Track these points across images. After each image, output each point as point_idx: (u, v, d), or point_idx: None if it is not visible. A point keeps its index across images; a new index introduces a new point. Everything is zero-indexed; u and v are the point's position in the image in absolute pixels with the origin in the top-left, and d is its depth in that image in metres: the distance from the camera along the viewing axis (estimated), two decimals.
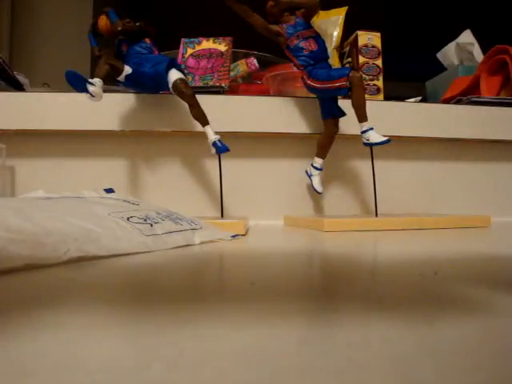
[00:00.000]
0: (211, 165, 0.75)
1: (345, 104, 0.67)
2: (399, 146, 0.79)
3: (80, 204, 0.41)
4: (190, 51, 0.81)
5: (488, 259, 0.36)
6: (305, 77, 0.66)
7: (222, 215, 0.66)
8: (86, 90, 0.58)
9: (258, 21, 0.66)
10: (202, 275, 0.31)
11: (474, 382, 0.12)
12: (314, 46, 0.66)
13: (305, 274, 0.31)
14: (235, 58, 0.89)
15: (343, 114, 0.69)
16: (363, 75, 0.78)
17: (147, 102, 0.72)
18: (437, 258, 0.37)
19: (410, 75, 1.20)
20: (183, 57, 0.81)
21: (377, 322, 0.18)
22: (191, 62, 0.80)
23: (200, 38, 0.83)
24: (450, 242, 0.51)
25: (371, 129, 0.63)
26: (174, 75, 0.63)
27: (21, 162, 0.73)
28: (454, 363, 0.13)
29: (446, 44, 1.01)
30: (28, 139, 0.73)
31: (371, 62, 0.80)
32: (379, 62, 0.80)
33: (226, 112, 0.73)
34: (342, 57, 0.86)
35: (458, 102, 0.84)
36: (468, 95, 0.84)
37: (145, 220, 0.40)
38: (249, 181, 0.78)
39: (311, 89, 0.67)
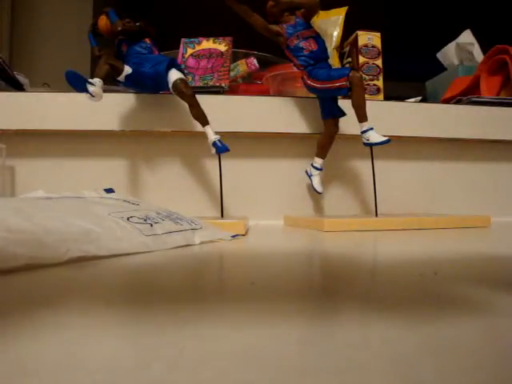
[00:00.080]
0: (211, 165, 0.75)
1: (345, 104, 0.67)
2: (399, 145, 0.79)
3: (80, 204, 0.41)
4: (189, 51, 0.81)
5: (488, 259, 0.36)
6: (305, 77, 0.66)
7: (222, 215, 0.66)
8: (86, 90, 0.58)
9: (258, 21, 0.66)
10: (201, 275, 0.31)
11: (474, 381, 0.12)
12: (313, 46, 0.66)
13: (305, 274, 0.31)
14: (235, 58, 0.89)
15: (343, 114, 0.69)
16: (363, 75, 0.78)
17: (147, 102, 0.72)
18: (437, 257, 0.37)
19: (410, 75, 1.20)
20: (183, 57, 0.81)
21: (377, 321, 0.18)
22: (191, 62, 0.80)
23: (200, 38, 0.83)
24: (450, 242, 0.51)
25: (371, 129, 0.63)
26: (173, 75, 0.63)
27: (21, 162, 0.73)
28: (455, 363, 0.13)
29: (445, 44, 1.01)
30: (28, 139, 0.73)
31: (371, 61, 0.80)
32: (379, 62, 0.80)
33: (226, 112, 0.73)
34: (342, 57, 0.86)
35: (458, 102, 0.84)
36: (468, 95, 0.84)
37: (145, 220, 0.40)
38: (249, 181, 0.78)
39: (311, 89, 0.67)
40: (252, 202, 0.77)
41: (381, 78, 0.80)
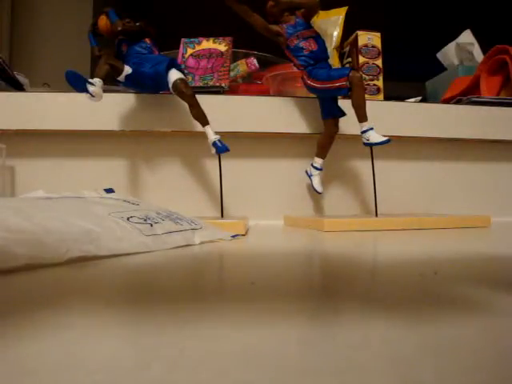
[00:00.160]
0: (211, 165, 0.75)
1: (345, 104, 0.67)
2: (399, 145, 0.79)
3: (80, 204, 0.41)
4: (189, 51, 0.81)
5: (488, 259, 0.36)
6: (305, 77, 0.66)
7: (222, 215, 0.66)
8: (86, 90, 0.58)
9: (258, 21, 0.66)
10: (202, 275, 0.31)
11: (474, 381, 0.12)
12: (314, 46, 0.66)
13: (305, 273, 0.31)
14: (235, 58, 0.89)
15: (343, 114, 0.69)
16: (363, 75, 0.78)
17: (147, 102, 0.72)
18: (437, 257, 0.37)
19: (410, 75, 1.20)
20: (183, 57, 0.81)
21: (377, 321, 0.18)
22: (191, 62, 0.80)
23: (200, 38, 0.83)
24: (450, 242, 0.51)
25: (371, 129, 0.63)
26: (173, 75, 0.63)
27: (21, 162, 0.73)
28: (455, 363, 0.13)
29: (445, 44, 1.01)
30: (28, 139, 0.73)
31: (371, 61, 0.80)
32: (379, 62, 0.80)
33: (226, 112, 0.73)
34: (342, 57, 0.86)
35: (458, 102, 0.84)
36: (468, 95, 0.84)
37: (145, 220, 0.40)
38: (249, 181, 0.78)
39: (311, 89, 0.67)
40: (252, 202, 0.77)
41: (381, 78, 0.80)
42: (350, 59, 0.83)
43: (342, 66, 0.85)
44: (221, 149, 0.62)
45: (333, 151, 0.73)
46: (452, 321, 0.18)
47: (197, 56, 0.80)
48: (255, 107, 0.75)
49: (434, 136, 0.80)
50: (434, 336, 0.16)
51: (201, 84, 0.77)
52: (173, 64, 0.64)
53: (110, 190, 0.52)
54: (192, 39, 0.83)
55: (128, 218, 0.38)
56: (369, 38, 0.80)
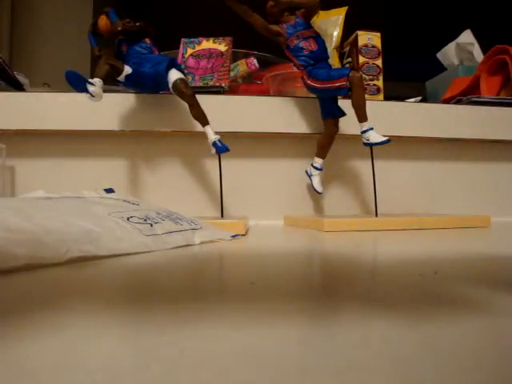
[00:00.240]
0: (211, 165, 0.75)
1: (345, 104, 0.67)
2: (399, 145, 0.79)
3: (80, 204, 0.41)
4: (189, 51, 0.81)
5: (488, 259, 0.36)
6: (305, 77, 0.66)
7: (222, 215, 0.66)
8: (86, 90, 0.58)
9: (258, 21, 0.66)
10: (202, 275, 0.31)
11: (475, 381, 0.12)
12: (314, 46, 0.66)
13: (305, 273, 0.31)
14: (235, 58, 0.89)
15: (343, 114, 0.69)
16: (363, 75, 0.78)
17: (147, 102, 0.72)
18: (437, 257, 0.37)
19: (410, 75, 1.20)
20: (183, 57, 0.81)
21: (377, 321, 0.18)
22: (191, 62, 0.80)
23: (200, 38, 0.83)
24: (450, 242, 0.51)
25: (371, 129, 0.63)
26: (173, 75, 0.63)
27: (21, 162, 0.73)
28: (455, 363, 0.13)
29: (445, 44, 1.01)
30: (28, 139, 0.73)
31: (371, 61, 0.80)
32: (379, 62, 0.80)
33: (226, 112, 0.73)
34: (342, 57, 0.86)
35: (458, 102, 0.84)
36: (468, 95, 0.84)
37: (145, 220, 0.40)
38: (249, 181, 0.78)
39: (311, 89, 0.67)
40: (252, 202, 0.77)
41: (381, 78, 0.80)
42: (349, 59, 0.83)
43: (342, 65, 0.85)
44: (221, 149, 0.62)
45: (333, 151, 0.73)
46: (452, 320, 0.18)
47: (197, 56, 0.80)
48: (255, 107, 0.75)
49: (433, 136, 0.80)
50: (434, 336, 0.16)
51: (201, 84, 0.77)
52: (173, 64, 0.64)
53: (109, 190, 0.52)
54: (192, 39, 0.83)
55: (128, 218, 0.38)
56: (369, 38, 0.80)
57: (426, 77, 1.07)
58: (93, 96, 0.58)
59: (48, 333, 0.16)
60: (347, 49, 0.84)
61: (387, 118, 0.76)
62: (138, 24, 0.67)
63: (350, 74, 0.61)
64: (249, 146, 0.78)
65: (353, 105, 0.63)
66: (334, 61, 0.83)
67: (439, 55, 1.04)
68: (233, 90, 0.83)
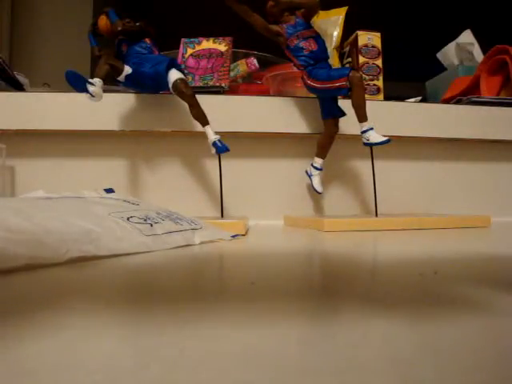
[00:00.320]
0: (211, 165, 0.75)
1: (345, 104, 0.67)
2: (399, 145, 0.79)
3: (80, 204, 0.41)
4: (189, 51, 0.81)
5: (488, 259, 0.36)
6: (305, 77, 0.66)
7: (222, 215, 0.66)
8: (86, 90, 0.58)
9: (258, 21, 0.65)
10: (202, 275, 0.31)
11: (475, 381, 0.12)
12: (313, 46, 0.66)
13: (305, 273, 0.31)
14: (235, 58, 0.89)
15: (343, 114, 0.69)
16: (363, 75, 0.78)
17: (147, 102, 0.72)
18: (437, 257, 0.37)
19: (410, 75, 1.20)
20: (183, 57, 0.81)
21: (377, 321, 0.18)
22: (191, 62, 0.80)
23: (200, 38, 0.83)
24: (450, 242, 0.51)
25: (371, 129, 0.63)
26: (173, 75, 0.63)
27: (21, 162, 0.73)
28: (455, 363, 0.13)
29: (445, 44, 1.01)
30: (28, 139, 0.73)
31: (371, 61, 0.80)
32: (379, 62, 0.80)
33: (226, 112, 0.73)
34: (342, 57, 0.86)
35: (458, 102, 0.84)
36: (468, 95, 0.84)
37: (145, 220, 0.40)
38: (249, 181, 0.78)
39: (311, 89, 0.67)
40: (252, 202, 0.77)
41: (381, 78, 0.80)
42: (349, 59, 0.83)
43: (342, 65, 0.85)
44: (221, 149, 0.62)
45: (333, 151, 0.73)
46: (452, 320, 0.18)
47: (197, 56, 0.80)
48: (255, 107, 0.75)
49: (433, 136, 0.80)
50: (434, 335, 0.16)
51: (201, 84, 0.77)
52: (173, 64, 0.64)
53: (109, 190, 0.52)
54: (192, 39, 0.83)
55: (128, 218, 0.38)
56: (369, 38, 0.80)
57: (426, 77, 1.07)
58: (93, 96, 0.58)
59: (48, 333, 0.16)
60: (347, 49, 0.84)
61: (387, 118, 0.76)
62: (138, 24, 0.67)
63: (350, 74, 0.61)
64: (249, 146, 0.78)
65: (353, 105, 0.63)
66: (334, 61, 0.83)
67: (439, 55, 1.04)
68: (233, 89, 0.83)
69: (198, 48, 0.81)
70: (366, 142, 0.63)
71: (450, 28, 1.04)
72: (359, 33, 0.80)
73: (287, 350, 0.15)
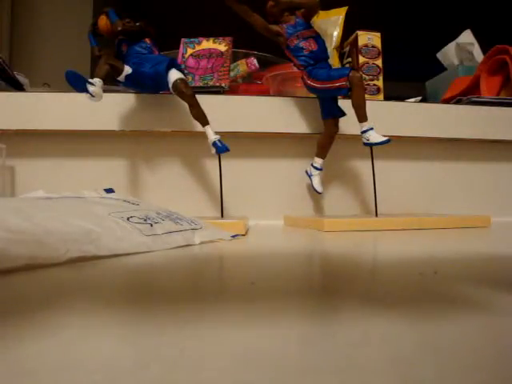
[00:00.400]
0: (211, 165, 0.75)
1: (345, 104, 0.67)
2: (399, 146, 0.79)
3: (80, 204, 0.41)
4: (189, 51, 0.81)
5: (488, 259, 0.36)
6: (305, 77, 0.66)
7: (222, 215, 0.66)
8: (86, 90, 0.58)
9: (258, 21, 0.65)
10: (202, 275, 0.31)
11: (475, 381, 0.12)
12: (313, 46, 0.66)
13: (305, 273, 0.31)
14: (235, 58, 0.89)
15: (343, 114, 0.69)
16: (363, 75, 0.78)
17: (147, 102, 0.72)
18: (437, 257, 0.37)
19: (410, 75, 1.20)
20: (183, 57, 0.81)
21: (377, 321, 0.18)
22: (191, 62, 0.80)
23: (200, 38, 0.83)
24: (450, 242, 0.51)
25: (371, 129, 0.63)
26: (173, 75, 0.63)
27: (21, 162, 0.73)
28: (455, 362, 0.13)
29: (445, 44, 1.01)
30: (28, 139, 0.73)
31: (371, 61, 0.80)
32: (379, 62, 0.80)
33: (226, 112, 0.73)
34: (342, 57, 0.86)
35: (458, 102, 0.84)
36: (468, 95, 0.84)
37: (145, 220, 0.40)
38: (249, 181, 0.78)
39: (311, 89, 0.67)
40: (252, 202, 0.77)
41: (381, 78, 0.80)
42: (349, 59, 0.83)
43: (342, 65, 0.85)
44: (221, 149, 0.62)
45: (333, 151, 0.73)
46: (452, 320, 0.18)
47: (197, 56, 0.80)
48: (255, 107, 0.75)
49: (433, 136, 0.80)
50: (434, 335, 0.16)
51: (201, 84, 0.77)
52: (173, 64, 0.64)
53: (109, 190, 0.52)
54: (192, 39, 0.83)
55: (128, 218, 0.38)
56: (369, 38, 0.80)
57: (426, 77, 1.07)
58: (93, 96, 0.58)
59: (48, 333, 0.16)
60: (347, 49, 0.84)
61: (387, 118, 0.76)
62: (138, 24, 0.67)
63: (350, 74, 0.61)
64: (249, 146, 0.78)
65: (353, 105, 0.63)
66: (334, 61, 0.83)
67: (439, 55, 1.04)
68: (233, 89, 0.83)
69: (198, 48, 0.81)
70: (365, 141, 0.63)
71: (450, 28, 1.04)
72: (359, 33, 0.80)
73: (287, 350, 0.15)
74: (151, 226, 0.39)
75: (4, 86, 0.76)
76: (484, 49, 0.95)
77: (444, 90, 0.92)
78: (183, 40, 0.83)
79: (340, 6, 0.86)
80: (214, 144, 0.62)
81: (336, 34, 0.84)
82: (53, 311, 0.19)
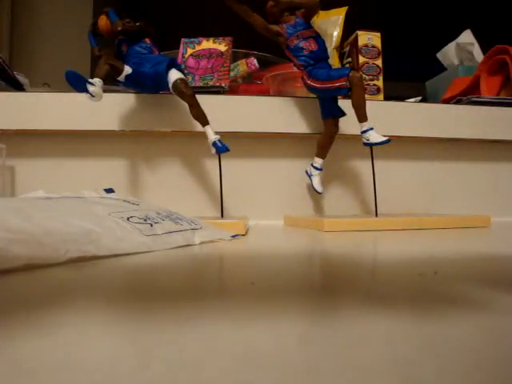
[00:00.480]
0: (211, 165, 0.75)
1: (345, 104, 0.67)
2: (399, 146, 0.79)
3: (80, 204, 0.41)
4: (189, 51, 0.81)
5: (488, 259, 0.36)
6: (305, 77, 0.66)
7: (222, 215, 0.66)
8: (86, 90, 0.58)
9: (258, 21, 0.65)
10: (202, 275, 0.31)
11: (475, 381, 0.12)
12: (314, 46, 0.66)
13: (305, 273, 0.31)
14: (235, 58, 0.89)
15: (343, 114, 0.69)
16: (363, 75, 0.78)
17: (147, 102, 0.72)
18: (437, 257, 0.37)
19: (410, 75, 1.20)
20: (183, 57, 0.81)
21: (377, 321, 0.18)
22: (191, 62, 0.80)
23: (200, 38, 0.83)
24: (450, 242, 0.51)
25: (371, 129, 0.63)
26: (173, 75, 0.63)
27: (21, 162, 0.73)
28: (455, 362, 0.13)
29: (445, 44, 1.01)
30: (28, 139, 0.73)
31: (371, 61, 0.80)
32: (379, 62, 0.80)
33: (226, 112, 0.73)
34: (342, 57, 0.86)
35: (458, 102, 0.84)
36: (468, 95, 0.84)
37: (145, 220, 0.40)
38: (249, 181, 0.78)
39: (311, 89, 0.67)
40: (252, 201, 0.77)
41: (381, 78, 0.80)
42: (349, 59, 0.83)
43: (342, 65, 0.85)
44: (221, 149, 0.62)
45: (333, 151, 0.73)
46: (452, 320, 0.18)
47: (197, 56, 0.80)
48: (255, 107, 0.75)
49: (433, 136, 0.80)
50: (435, 335, 0.16)
51: (201, 84, 0.77)
52: (173, 64, 0.64)
53: (109, 190, 0.52)
54: (192, 39, 0.83)
55: (128, 218, 0.38)
56: (369, 38, 0.80)
57: (426, 77, 1.07)
58: (93, 96, 0.58)
59: (47, 332, 0.16)
60: (347, 49, 0.84)
61: (387, 118, 0.76)
62: (138, 24, 0.67)
63: (350, 74, 0.61)
64: (249, 146, 0.78)
65: (353, 105, 0.63)
66: (334, 61, 0.83)
67: (439, 55, 1.04)
68: (233, 89, 0.83)
69: (198, 48, 0.81)
70: (365, 141, 0.63)
71: (450, 28, 1.04)
72: (359, 33, 0.80)
73: (287, 350, 0.15)
74: (151, 226, 0.39)
75: (4, 86, 0.76)
76: (484, 49, 0.95)
77: (444, 90, 0.92)
78: (183, 40, 0.83)
79: (340, 6, 0.86)
80: (214, 144, 0.62)
81: (336, 33, 0.84)
82: (52, 311, 0.19)
